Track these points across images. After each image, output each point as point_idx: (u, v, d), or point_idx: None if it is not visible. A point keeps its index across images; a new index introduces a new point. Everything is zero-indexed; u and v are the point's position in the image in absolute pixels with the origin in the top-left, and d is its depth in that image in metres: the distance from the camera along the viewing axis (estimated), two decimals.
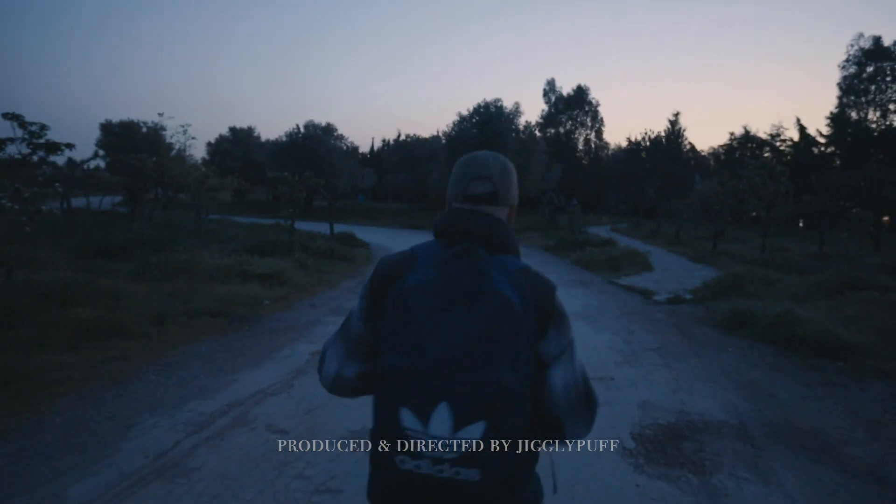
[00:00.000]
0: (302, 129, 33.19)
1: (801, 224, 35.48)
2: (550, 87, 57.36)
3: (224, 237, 15.89)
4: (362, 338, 1.22)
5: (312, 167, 32.01)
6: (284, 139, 33.85)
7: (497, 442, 1.02)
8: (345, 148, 35.60)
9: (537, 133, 53.59)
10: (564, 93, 56.31)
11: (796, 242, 23.15)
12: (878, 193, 29.11)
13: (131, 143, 37.73)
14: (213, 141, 41.58)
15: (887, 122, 43.51)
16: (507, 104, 29.81)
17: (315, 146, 32.13)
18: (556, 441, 1.22)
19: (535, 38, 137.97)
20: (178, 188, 24.95)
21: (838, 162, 42.08)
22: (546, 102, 57.08)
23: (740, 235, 25.78)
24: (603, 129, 56.96)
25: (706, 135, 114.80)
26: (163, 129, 39.53)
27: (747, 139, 42.07)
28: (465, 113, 27.96)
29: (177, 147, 40.45)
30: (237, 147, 40.70)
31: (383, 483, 1.10)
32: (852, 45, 45.04)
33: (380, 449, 1.07)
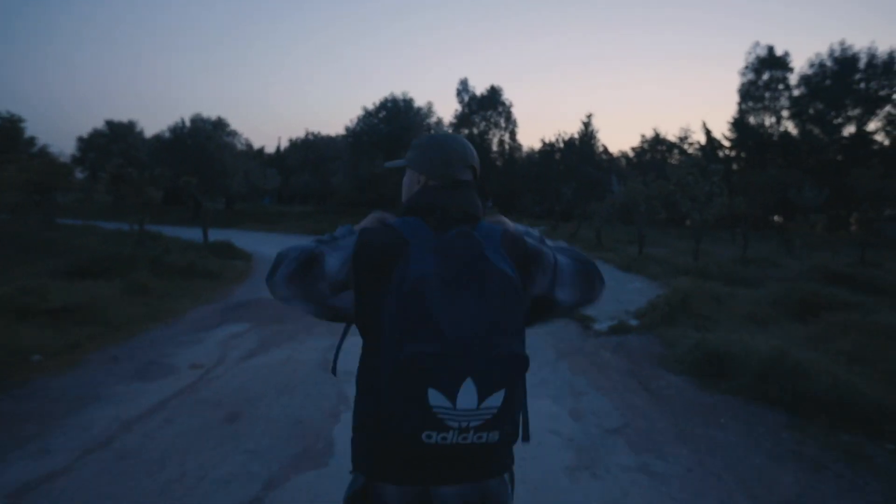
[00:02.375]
0: (188, 124, 29.35)
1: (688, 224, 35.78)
2: (464, 86, 55.86)
3: (61, 249, 12.58)
4: (326, 300, 1.27)
5: (198, 165, 28.39)
6: (167, 134, 29.84)
7: (510, 404, 1.12)
8: (239, 145, 32.03)
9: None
10: (478, 93, 55.05)
11: (712, 245, 22.51)
12: (783, 196, 29.51)
13: None
14: (85, 136, 36.51)
15: (781, 128, 45.37)
16: (420, 103, 27.95)
17: (203, 142, 28.43)
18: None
19: (449, 38, 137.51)
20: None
21: (736, 166, 43.30)
22: (459, 102, 55.49)
23: (659, 238, 25.01)
24: (517, 130, 56.17)
25: (618, 137, 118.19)
26: (21, 120, 34.31)
27: (657, 141, 42.40)
28: (370, 107, 25.50)
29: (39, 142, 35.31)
30: (115, 143, 35.89)
31: (400, 458, 1.19)
32: (750, 53, 46.70)
33: (394, 427, 1.11)
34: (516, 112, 69.08)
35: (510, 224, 1.36)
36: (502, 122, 55.91)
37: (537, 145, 54.89)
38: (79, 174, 36.52)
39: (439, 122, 25.95)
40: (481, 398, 1.08)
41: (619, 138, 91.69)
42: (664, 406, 4.53)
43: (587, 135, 49.66)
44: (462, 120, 54.73)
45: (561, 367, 5.55)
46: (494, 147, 55.71)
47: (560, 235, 26.41)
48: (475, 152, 1.41)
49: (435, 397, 1.07)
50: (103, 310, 7.08)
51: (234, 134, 31.01)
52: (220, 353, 5.72)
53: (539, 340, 6.63)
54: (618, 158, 48.80)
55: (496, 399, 1.09)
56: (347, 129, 25.91)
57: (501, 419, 1.11)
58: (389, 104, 25.23)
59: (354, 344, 1.36)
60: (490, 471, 1.25)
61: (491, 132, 55.67)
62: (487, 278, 1.12)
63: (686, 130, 43.00)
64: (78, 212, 33.23)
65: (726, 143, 43.62)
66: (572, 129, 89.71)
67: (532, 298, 1.31)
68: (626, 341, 6.72)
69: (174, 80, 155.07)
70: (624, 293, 10.21)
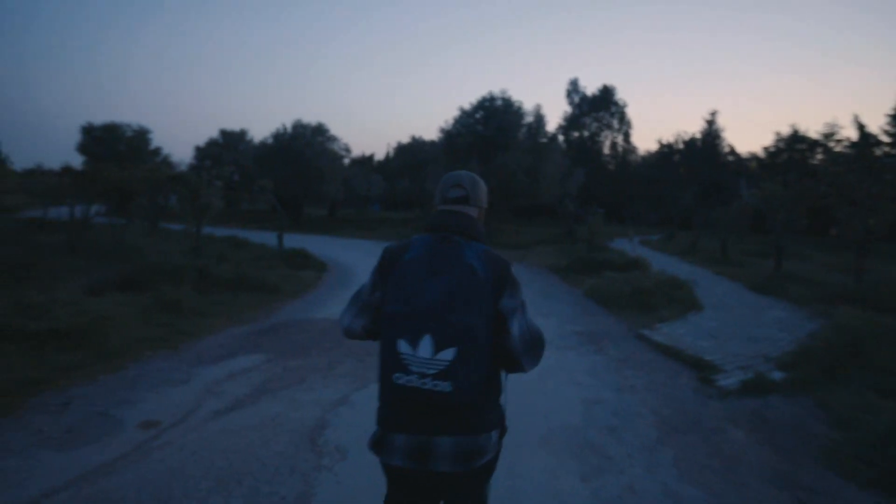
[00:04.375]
0: (289, 129, 29.60)
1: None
2: (574, 87, 53.23)
3: (134, 257, 12.23)
4: (369, 303, 1.75)
5: (297, 171, 28.51)
6: (270, 141, 30.33)
7: (463, 364, 1.49)
8: (339, 151, 31.93)
9: (560, 137, 49.61)
10: (589, 93, 52.09)
11: (868, 260, 18.48)
12: None
13: (113, 148, 34.88)
14: (202, 145, 38.41)
15: None
16: (528, 105, 26.27)
17: (301, 148, 28.49)
18: (517, 371, 1.73)
19: (559, 38, 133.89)
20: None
21: None
22: (569, 104, 52.92)
23: (797, 250, 21.26)
24: (631, 131, 52.48)
25: (747, 136, 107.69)
26: (148, 132, 36.74)
27: (796, 139, 37.19)
28: (467, 107, 23.99)
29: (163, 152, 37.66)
30: (227, 152, 37.43)
31: (385, 398, 1.62)
32: None
33: (382, 370, 1.56)
34: (631, 112, 65.06)
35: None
36: (615, 124, 52.51)
37: (653, 147, 50.83)
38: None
39: (541, 120, 23.83)
40: (436, 351, 1.49)
41: (748, 137, 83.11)
42: None
43: (711, 134, 45.08)
44: (571, 122, 52.05)
45: (662, 460, 3.59)
46: (606, 150, 52.43)
47: (678, 245, 23.39)
48: (471, 176, 1.89)
49: (402, 345, 1.51)
50: (106, 332, 6.08)
51: (333, 139, 30.96)
52: (196, 402, 4.38)
53: (628, 401, 4.65)
54: (747, 159, 43.75)
55: (448, 354, 1.49)
56: (442, 130, 24.59)
57: (453, 373, 1.48)
58: (487, 103, 23.61)
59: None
60: (478, 427, 1.61)
61: (602, 134, 52.46)
62: (457, 268, 1.57)
63: (832, 126, 37.26)
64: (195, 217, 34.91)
65: (886, 139, 37.41)
66: (694, 128, 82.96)
67: (497, 310, 1.64)
68: (768, 410, 4.56)
69: (289, 89, 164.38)
70: (759, 326, 7.80)
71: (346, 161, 36.16)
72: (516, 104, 23.74)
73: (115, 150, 34.24)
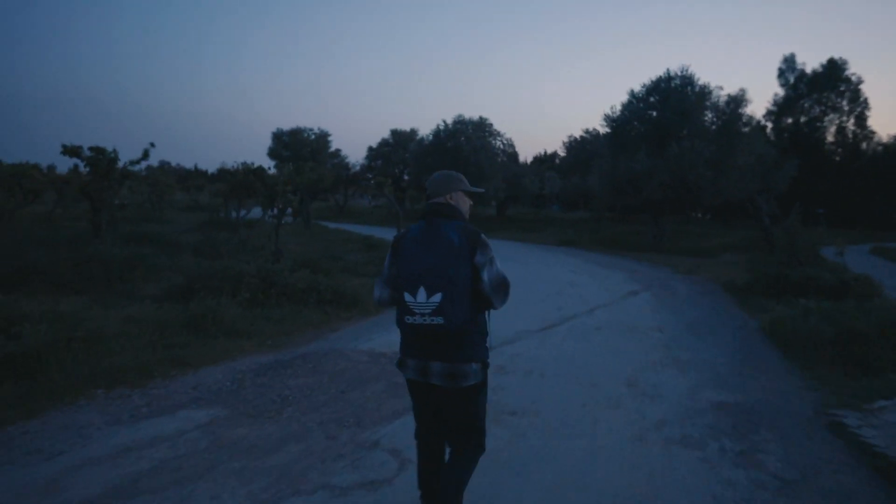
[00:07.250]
0: (450, 126, 28.61)
1: None
2: (789, 65, 45.01)
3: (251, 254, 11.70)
4: (390, 277, 2.46)
5: (455, 168, 27.40)
6: (430, 138, 29.69)
7: (449, 303, 2.20)
8: (503, 146, 30.18)
9: (768, 123, 42.39)
10: (809, 69, 43.58)
11: None
12: None
13: (298, 151, 37.32)
14: (374, 145, 39.51)
15: None
16: (730, 89, 21.89)
17: (459, 144, 27.29)
18: (491, 308, 2.41)
19: (770, 10, 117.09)
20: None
21: None
22: (782, 84, 44.85)
23: None
24: (867, 113, 42.81)
25: None
26: (328, 135, 38.71)
27: None
28: (638, 90, 20.47)
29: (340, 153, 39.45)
30: (396, 151, 37.96)
31: (402, 333, 2.42)
32: None
33: (398, 316, 2.33)
34: (867, 90, 53.52)
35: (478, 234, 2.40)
36: (844, 105, 43.29)
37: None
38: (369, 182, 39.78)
39: (738, 102, 19.29)
40: (428, 296, 2.21)
41: None
42: None
43: None
44: (784, 106, 44.08)
45: None
46: (830, 137, 43.47)
47: None
48: (438, 174, 2.63)
49: (407, 297, 2.26)
50: (64, 360, 4.96)
51: (496, 134, 29.30)
52: None
53: None
54: None
55: (437, 297, 2.20)
56: (607, 117, 21.28)
57: (442, 310, 2.20)
58: (663, 84, 19.92)
59: None
60: (461, 358, 2.34)
61: (826, 118, 43.57)
62: (439, 241, 2.29)
63: None
64: (368, 217, 35.92)
65: None
66: None
67: (473, 264, 2.32)
68: None
69: (471, 88, 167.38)
70: None
71: (524, 159, 34.39)
72: (699, 84, 19.69)
73: (300, 153, 36.51)
